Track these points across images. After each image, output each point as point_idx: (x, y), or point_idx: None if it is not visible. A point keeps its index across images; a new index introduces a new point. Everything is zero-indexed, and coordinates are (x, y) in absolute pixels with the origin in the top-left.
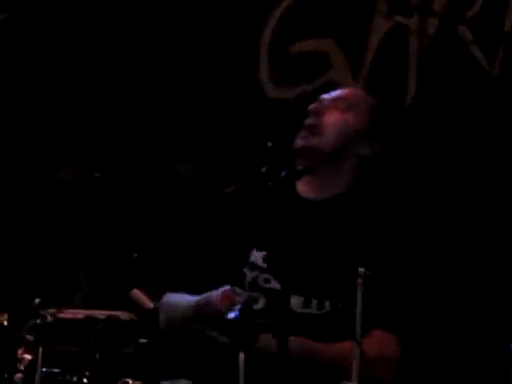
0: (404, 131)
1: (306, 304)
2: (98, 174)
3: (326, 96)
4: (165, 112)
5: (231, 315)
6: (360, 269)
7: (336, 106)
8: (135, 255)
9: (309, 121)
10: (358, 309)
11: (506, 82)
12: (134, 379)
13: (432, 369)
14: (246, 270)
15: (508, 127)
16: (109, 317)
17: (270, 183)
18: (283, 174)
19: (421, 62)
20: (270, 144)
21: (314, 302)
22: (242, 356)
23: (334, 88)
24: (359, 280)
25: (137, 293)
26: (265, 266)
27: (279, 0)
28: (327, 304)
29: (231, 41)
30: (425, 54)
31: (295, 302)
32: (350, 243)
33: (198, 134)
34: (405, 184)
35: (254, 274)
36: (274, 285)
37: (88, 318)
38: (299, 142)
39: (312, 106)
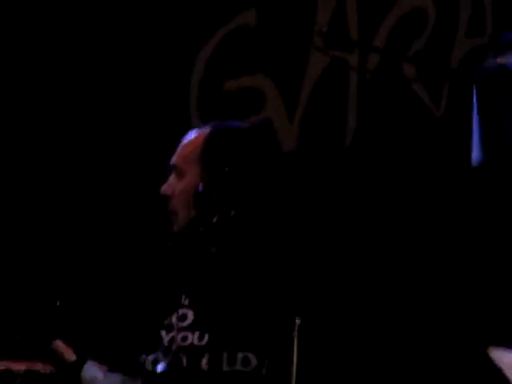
0: (342, 173)
1: (231, 360)
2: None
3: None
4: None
5: (159, 368)
6: (296, 320)
7: (175, 177)
8: (58, 303)
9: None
10: (295, 362)
11: (450, 123)
12: None
13: None
14: (162, 333)
15: (452, 171)
16: (28, 370)
17: (200, 229)
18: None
19: (361, 98)
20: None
21: (239, 357)
22: None
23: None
24: (295, 332)
25: (59, 344)
26: (180, 324)
27: (210, 35)
28: (253, 359)
29: (163, 75)
30: (365, 91)
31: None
32: (269, 290)
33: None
34: (340, 222)
35: (172, 334)
36: (191, 341)
37: (6, 372)
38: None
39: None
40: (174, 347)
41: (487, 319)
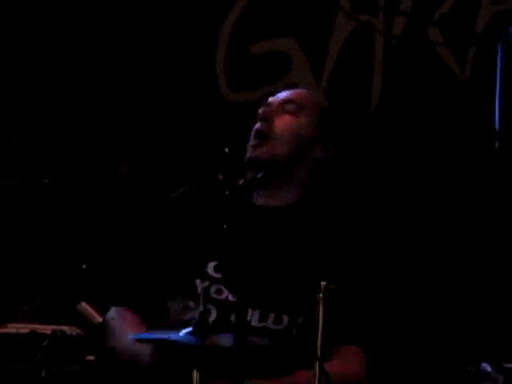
0: (369, 135)
1: (263, 318)
2: (45, 180)
3: (273, 99)
4: (122, 116)
5: (184, 332)
6: (322, 283)
7: (286, 110)
8: (84, 266)
9: (258, 127)
10: (320, 324)
11: (476, 86)
12: None
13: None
14: (197, 281)
15: (477, 133)
16: (54, 332)
17: (227, 192)
18: (241, 182)
19: (387, 62)
20: (226, 150)
21: (271, 316)
22: (195, 375)
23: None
24: (320, 295)
25: (84, 306)
26: (216, 275)
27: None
28: (285, 319)
29: (188, 41)
30: (391, 55)
31: (251, 315)
32: (310, 254)
33: (153, 138)
34: (365, 190)
35: (206, 284)
36: (227, 295)
37: (33, 333)
38: (251, 152)
39: (261, 111)
40: (206, 297)
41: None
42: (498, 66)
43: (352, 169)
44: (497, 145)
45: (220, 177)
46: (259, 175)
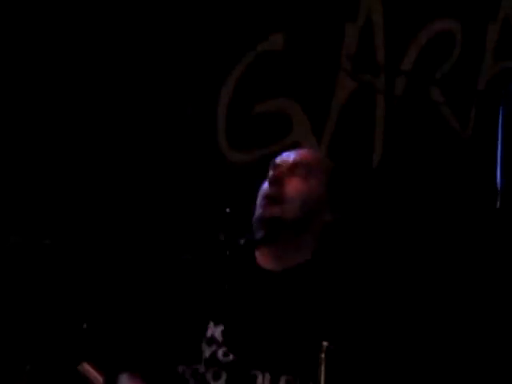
0: (370, 195)
1: (274, 382)
2: (47, 241)
3: (282, 161)
4: (118, 174)
5: None
6: (323, 343)
7: (296, 173)
8: (85, 326)
9: (269, 191)
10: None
11: (478, 145)
12: None
13: None
14: (203, 346)
15: (479, 191)
16: None
17: (228, 252)
18: (242, 241)
19: (388, 122)
20: (228, 210)
21: (283, 379)
22: None
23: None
24: (322, 355)
25: (86, 367)
26: (222, 340)
27: (239, 59)
28: (297, 382)
29: (190, 98)
30: (392, 115)
31: (261, 379)
32: (313, 316)
33: (153, 198)
34: (370, 252)
35: (213, 348)
36: (233, 358)
37: None
38: (261, 212)
39: (271, 175)
40: (214, 361)
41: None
42: (500, 124)
43: (355, 229)
44: (498, 204)
45: (221, 237)
46: (260, 235)
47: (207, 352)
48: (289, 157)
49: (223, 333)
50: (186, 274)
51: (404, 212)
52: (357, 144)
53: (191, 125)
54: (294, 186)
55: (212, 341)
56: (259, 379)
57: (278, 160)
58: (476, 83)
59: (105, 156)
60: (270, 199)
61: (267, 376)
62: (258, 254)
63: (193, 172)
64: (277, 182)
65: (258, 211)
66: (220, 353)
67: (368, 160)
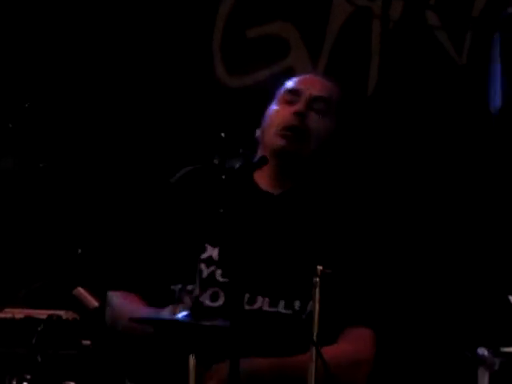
0: (365, 120)
1: (273, 303)
2: (41, 165)
3: (304, 89)
4: (119, 101)
5: (180, 315)
6: (318, 267)
7: (315, 108)
8: (79, 251)
9: (294, 122)
10: (317, 308)
11: (472, 71)
12: (77, 383)
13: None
14: (202, 266)
15: (473, 117)
16: (50, 316)
17: (223, 176)
18: (237, 165)
19: (384, 47)
20: (223, 134)
21: (282, 303)
22: (192, 359)
23: (292, 75)
24: (316, 279)
25: (81, 291)
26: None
27: None
28: (296, 303)
29: (185, 25)
30: (388, 39)
31: (261, 301)
32: (309, 240)
33: (150, 123)
34: (366, 175)
35: (211, 269)
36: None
37: (28, 318)
38: (283, 142)
39: (299, 108)
40: (213, 281)
41: None
42: (494, 48)
43: (350, 154)
44: (492, 128)
45: (216, 161)
46: (256, 159)
47: (205, 272)
48: (309, 87)
49: (219, 254)
50: (183, 195)
51: (399, 138)
52: (352, 69)
53: (187, 50)
54: (315, 122)
55: (211, 261)
56: (258, 302)
57: (298, 87)
58: (471, 8)
59: (102, 80)
60: (294, 130)
61: (266, 300)
62: (256, 176)
63: (189, 97)
64: (301, 115)
65: (279, 140)
66: (218, 273)
67: (363, 84)
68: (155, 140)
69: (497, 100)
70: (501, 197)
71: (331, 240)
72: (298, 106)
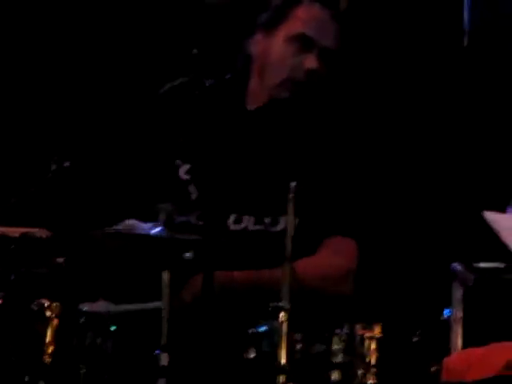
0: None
1: (238, 221)
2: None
3: (318, 42)
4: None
5: (153, 231)
6: (291, 183)
7: (327, 60)
8: (53, 167)
9: (305, 79)
10: (290, 224)
11: None
12: (50, 300)
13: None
14: (191, 189)
15: (447, 31)
16: (23, 235)
17: (196, 92)
18: (208, 83)
19: None
20: (195, 51)
21: (251, 219)
22: (165, 275)
23: None
24: (290, 195)
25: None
26: (188, 178)
27: None
28: (267, 220)
29: None
30: None
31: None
32: (282, 156)
33: (126, 38)
34: (341, 100)
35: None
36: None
37: (1, 236)
38: (287, 94)
39: (311, 66)
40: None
41: None
42: None
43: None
44: (465, 42)
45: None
46: (227, 76)
47: (194, 195)
48: (323, 36)
49: (190, 171)
50: (169, 108)
51: (374, 55)
52: None
53: None
54: (322, 75)
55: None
56: (230, 219)
57: (312, 34)
58: None
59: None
60: (303, 88)
61: (232, 216)
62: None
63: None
64: (315, 73)
65: (284, 93)
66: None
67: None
68: (134, 51)
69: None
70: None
71: (305, 154)
72: (312, 63)
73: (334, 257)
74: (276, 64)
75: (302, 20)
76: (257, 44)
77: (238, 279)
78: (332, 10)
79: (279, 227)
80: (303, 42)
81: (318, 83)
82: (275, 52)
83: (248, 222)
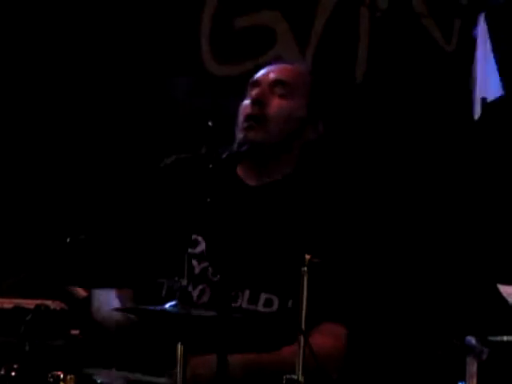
0: (354, 108)
1: (253, 300)
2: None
3: (263, 78)
4: (111, 92)
5: (168, 305)
6: (306, 255)
7: (276, 92)
8: (68, 240)
9: (250, 111)
10: (305, 297)
11: (461, 58)
12: (65, 372)
13: (379, 361)
14: (194, 262)
15: (463, 105)
16: (38, 306)
17: (210, 165)
18: (224, 155)
19: (372, 35)
20: (210, 123)
21: (262, 297)
22: (179, 347)
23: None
24: (304, 268)
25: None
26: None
27: None
28: (275, 301)
29: (173, 15)
30: (376, 27)
31: (241, 297)
32: (295, 231)
33: (137, 113)
34: (352, 166)
35: (203, 265)
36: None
37: (16, 308)
38: (243, 135)
39: (253, 94)
40: (204, 278)
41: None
42: (479, 36)
43: (338, 142)
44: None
45: (203, 150)
46: (243, 149)
47: (197, 268)
48: (268, 74)
49: (205, 248)
50: (171, 182)
51: (387, 124)
52: (341, 57)
53: (175, 39)
54: (275, 106)
55: (203, 257)
56: (239, 298)
57: (258, 77)
58: None
59: (91, 74)
60: (252, 121)
61: (246, 294)
62: (239, 168)
63: (177, 86)
64: (258, 102)
65: (240, 134)
66: (210, 271)
67: (351, 73)
68: (143, 129)
69: (493, 89)
70: (487, 185)
71: (310, 234)
72: (252, 94)
73: (325, 340)
74: (237, 119)
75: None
76: None
77: (237, 363)
78: None
79: (274, 307)
80: (253, 86)
81: (276, 116)
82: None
83: (243, 299)
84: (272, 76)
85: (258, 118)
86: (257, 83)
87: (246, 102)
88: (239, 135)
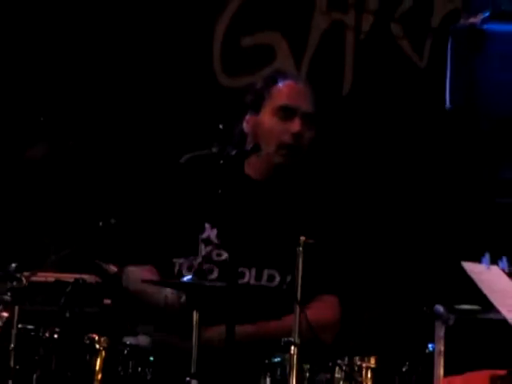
0: (341, 116)
1: (258, 277)
2: (71, 142)
3: (297, 108)
4: (134, 98)
5: (186, 278)
6: (301, 237)
7: (309, 124)
8: (100, 224)
9: (292, 142)
10: (300, 274)
11: (432, 74)
12: (99, 335)
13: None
14: (200, 246)
15: (434, 115)
16: (77, 280)
17: (221, 161)
18: (233, 152)
19: (357, 55)
20: (221, 126)
21: (265, 274)
22: (195, 314)
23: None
24: (300, 248)
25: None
26: (218, 242)
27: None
28: (276, 276)
29: (188, 35)
30: (360, 48)
31: (248, 275)
32: (293, 217)
33: (156, 117)
34: (340, 165)
35: (209, 248)
36: (226, 257)
37: (58, 281)
38: (281, 160)
39: (296, 130)
40: (209, 260)
41: None
42: (448, 53)
43: (328, 145)
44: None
45: (215, 149)
46: (249, 147)
47: (203, 251)
48: (300, 104)
49: (217, 235)
50: (189, 176)
51: (370, 132)
52: (329, 73)
53: (191, 55)
54: (308, 139)
55: (209, 241)
56: (246, 275)
57: (292, 105)
58: (430, 20)
59: (110, 78)
60: (293, 151)
61: (253, 271)
62: (246, 164)
63: (192, 96)
64: (299, 137)
65: (279, 159)
66: (214, 253)
67: (339, 87)
68: (162, 131)
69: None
70: (451, 180)
71: (308, 217)
72: (295, 127)
73: (322, 310)
74: (267, 134)
75: (283, 93)
76: (247, 122)
77: (240, 332)
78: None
79: (275, 282)
80: (287, 111)
81: (306, 146)
82: (264, 124)
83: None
84: (306, 108)
85: (295, 148)
86: (291, 111)
87: (281, 126)
88: (276, 159)
